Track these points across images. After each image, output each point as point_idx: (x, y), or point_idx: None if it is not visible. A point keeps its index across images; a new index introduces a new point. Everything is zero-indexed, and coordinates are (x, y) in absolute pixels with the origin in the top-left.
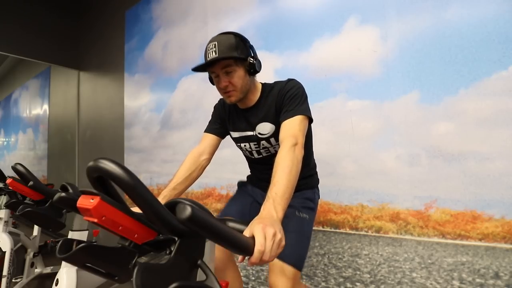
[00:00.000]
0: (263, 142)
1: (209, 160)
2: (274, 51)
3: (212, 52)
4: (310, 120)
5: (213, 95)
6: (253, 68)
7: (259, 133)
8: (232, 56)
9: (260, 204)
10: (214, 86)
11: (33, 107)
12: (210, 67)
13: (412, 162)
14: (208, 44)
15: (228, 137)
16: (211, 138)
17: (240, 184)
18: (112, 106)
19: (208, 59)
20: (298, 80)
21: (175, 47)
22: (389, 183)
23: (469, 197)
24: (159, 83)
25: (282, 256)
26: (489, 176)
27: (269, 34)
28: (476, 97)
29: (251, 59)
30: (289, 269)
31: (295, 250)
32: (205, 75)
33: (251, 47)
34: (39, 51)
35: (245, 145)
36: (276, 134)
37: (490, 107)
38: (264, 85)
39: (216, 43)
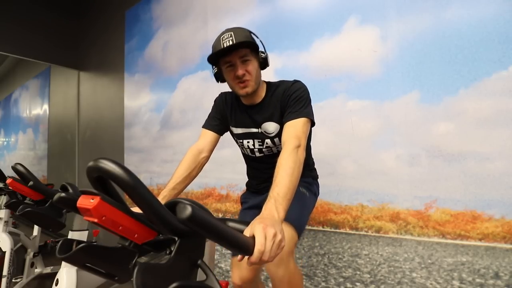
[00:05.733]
0: (267, 140)
1: (208, 157)
2: (274, 51)
3: (229, 41)
4: (312, 124)
5: (213, 95)
6: (265, 62)
7: (265, 132)
8: (251, 43)
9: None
10: (214, 86)
11: (33, 107)
12: (226, 56)
13: (412, 162)
14: (221, 35)
15: (228, 137)
16: (210, 135)
17: (243, 199)
18: (112, 106)
19: (224, 47)
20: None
21: (175, 47)
22: (389, 183)
23: (469, 197)
24: (159, 83)
25: None
26: (489, 176)
27: (269, 34)
28: (476, 97)
29: (262, 53)
30: (287, 229)
31: (295, 212)
32: (206, 74)
33: (261, 42)
34: (39, 51)
35: (248, 142)
36: (280, 134)
37: (490, 107)
38: (268, 83)
39: (232, 32)
